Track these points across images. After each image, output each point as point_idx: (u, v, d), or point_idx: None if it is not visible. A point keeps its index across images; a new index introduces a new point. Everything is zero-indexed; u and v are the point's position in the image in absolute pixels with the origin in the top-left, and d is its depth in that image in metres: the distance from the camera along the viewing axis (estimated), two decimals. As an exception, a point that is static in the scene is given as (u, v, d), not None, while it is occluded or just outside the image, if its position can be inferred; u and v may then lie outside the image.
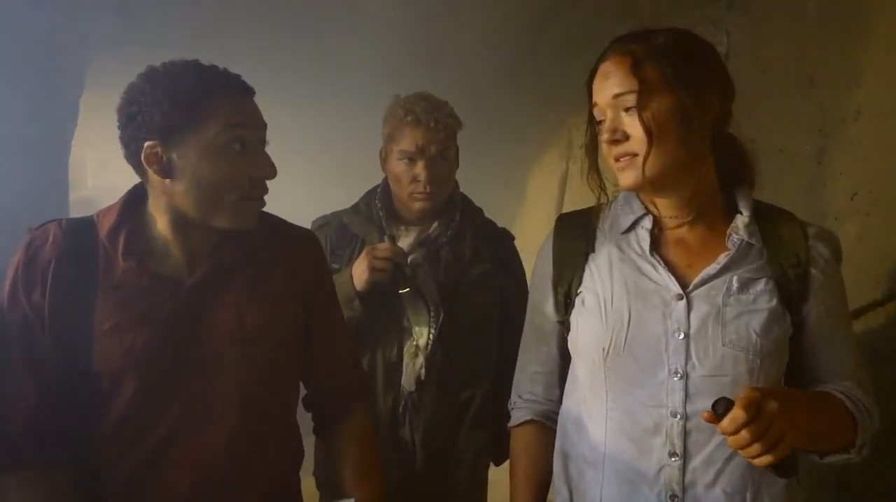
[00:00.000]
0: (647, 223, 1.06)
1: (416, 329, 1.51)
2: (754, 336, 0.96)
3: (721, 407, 0.84)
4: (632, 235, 1.07)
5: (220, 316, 1.05)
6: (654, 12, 2.60)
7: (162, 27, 3.30)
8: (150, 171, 1.00)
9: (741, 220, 1.03)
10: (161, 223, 1.05)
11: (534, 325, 1.19)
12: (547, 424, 1.16)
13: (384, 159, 1.61)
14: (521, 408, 1.19)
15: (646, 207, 1.08)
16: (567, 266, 1.11)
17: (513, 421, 1.20)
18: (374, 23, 3.66)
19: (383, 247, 1.47)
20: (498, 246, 1.64)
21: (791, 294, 1.00)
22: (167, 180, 1.00)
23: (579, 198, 3.56)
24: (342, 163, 4.56)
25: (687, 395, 0.97)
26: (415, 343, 1.51)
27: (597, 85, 1.02)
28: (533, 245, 4.22)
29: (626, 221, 1.08)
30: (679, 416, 0.97)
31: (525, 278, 1.65)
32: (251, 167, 1.03)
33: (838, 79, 1.53)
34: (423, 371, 1.50)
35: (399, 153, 1.53)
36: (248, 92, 1.06)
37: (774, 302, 0.99)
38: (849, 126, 1.49)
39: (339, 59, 4.00)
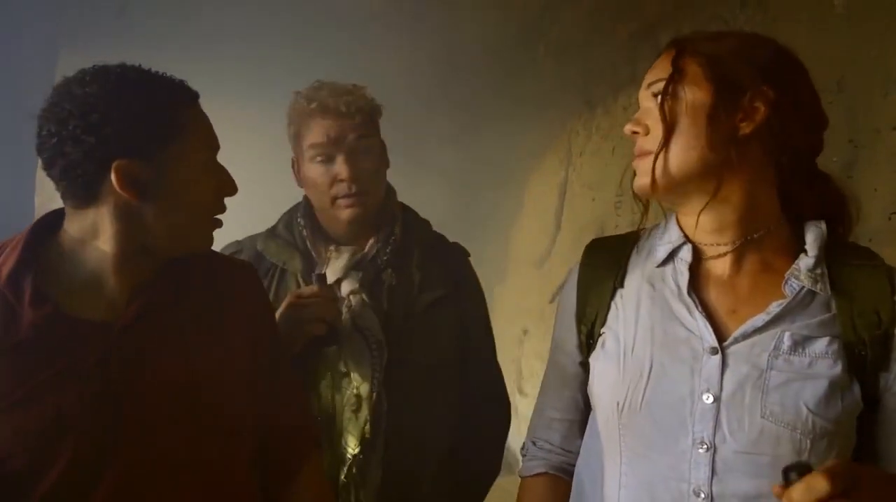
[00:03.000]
0: (687, 254, 0.88)
1: (356, 375, 1.20)
2: (804, 410, 0.77)
3: (795, 473, 0.65)
4: (668, 269, 0.90)
5: (166, 358, 0.89)
6: (660, 12, 2.46)
7: (161, 29, 3.20)
8: (109, 194, 0.84)
9: (804, 262, 0.83)
10: (101, 254, 0.87)
11: (555, 365, 1.03)
12: (563, 478, 1.00)
13: (297, 170, 1.33)
14: (534, 458, 1.02)
15: (685, 235, 0.90)
16: (592, 300, 0.95)
17: (523, 471, 1.04)
18: (367, 24, 3.55)
19: (308, 290, 1.18)
20: (452, 266, 1.36)
21: (864, 361, 0.79)
22: (136, 203, 0.85)
23: (579, 208, 3.44)
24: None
25: (714, 472, 0.79)
26: (355, 393, 1.20)
27: (647, 74, 0.89)
28: (530, 256, 4.09)
29: (662, 252, 0.90)
30: (703, 496, 0.79)
31: (484, 302, 1.40)
32: (221, 184, 0.93)
33: (871, 83, 1.37)
34: (368, 427, 1.18)
35: (310, 150, 1.25)
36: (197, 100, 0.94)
37: (838, 369, 0.78)
38: (885, 136, 1.34)
39: (335, 62, 3.88)
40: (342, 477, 1.19)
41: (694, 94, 0.82)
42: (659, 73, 0.86)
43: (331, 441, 1.20)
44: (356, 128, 1.25)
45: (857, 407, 0.79)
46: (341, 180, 1.24)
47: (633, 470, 0.86)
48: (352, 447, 1.19)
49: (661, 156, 0.83)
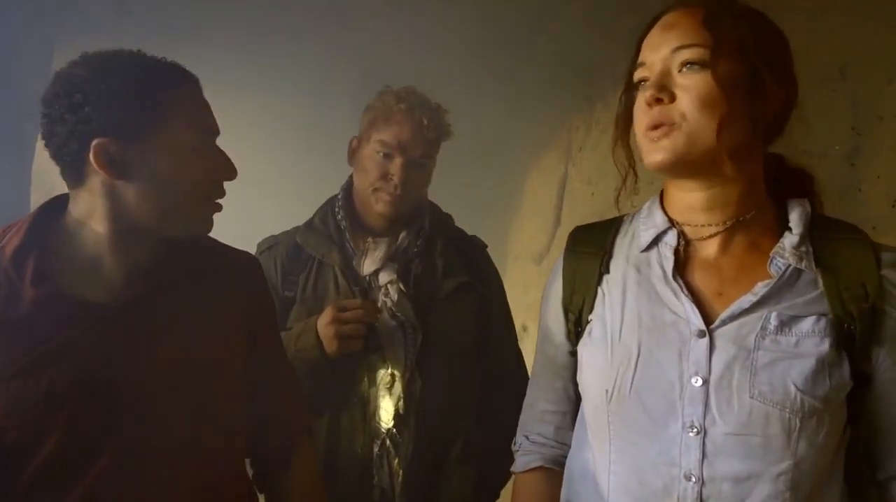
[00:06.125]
0: (672, 239, 0.87)
1: (391, 355, 1.31)
2: (793, 389, 0.77)
3: None
4: (653, 254, 0.89)
5: (162, 339, 0.90)
6: (660, 6, 2.45)
7: (160, 28, 3.18)
8: (94, 173, 0.86)
9: (789, 240, 0.82)
10: (97, 235, 0.89)
11: (545, 356, 1.01)
12: (558, 471, 0.99)
13: (354, 149, 1.43)
14: (528, 453, 1.02)
15: (670, 220, 0.89)
16: (578, 287, 0.94)
17: (518, 467, 1.03)
18: (364, 20, 3.53)
19: (352, 304, 1.27)
20: (471, 255, 1.46)
21: (852, 337, 0.79)
22: (118, 181, 0.86)
23: (579, 203, 3.43)
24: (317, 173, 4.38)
25: (704, 455, 0.79)
26: (390, 372, 1.31)
27: (653, 38, 0.82)
28: (529, 252, 4.07)
29: (647, 237, 0.89)
30: (694, 480, 0.79)
31: (503, 290, 1.49)
32: (213, 167, 0.93)
33: (875, 70, 1.36)
34: (401, 403, 1.30)
35: (377, 143, 1.35)
36: (201, 88, 0.95)
37: (826, 346, 0.78)
38: (888, 123, 1.33)
39: (337, 60, 3.87)
40: (376, 449, 1.31)
41: (732, 70, 0.77)
42: (688, 34, 0.79)
43: (364, 417, 1.31)
44: (425, 144, 1.36)
45: (845, 384, 0.79)
46: (391, 178, 1.35)
47: (622, 456, 0.85)
48: (385, 422, 1.31)
49: (684, 131, 0.78)
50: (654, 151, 0.81)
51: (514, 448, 1.05)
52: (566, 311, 0.95)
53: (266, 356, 1.06)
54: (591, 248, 0.95)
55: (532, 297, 3.78)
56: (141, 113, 0.86)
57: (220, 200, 0.96)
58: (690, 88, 0.78)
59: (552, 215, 3.68)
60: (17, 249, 0.86)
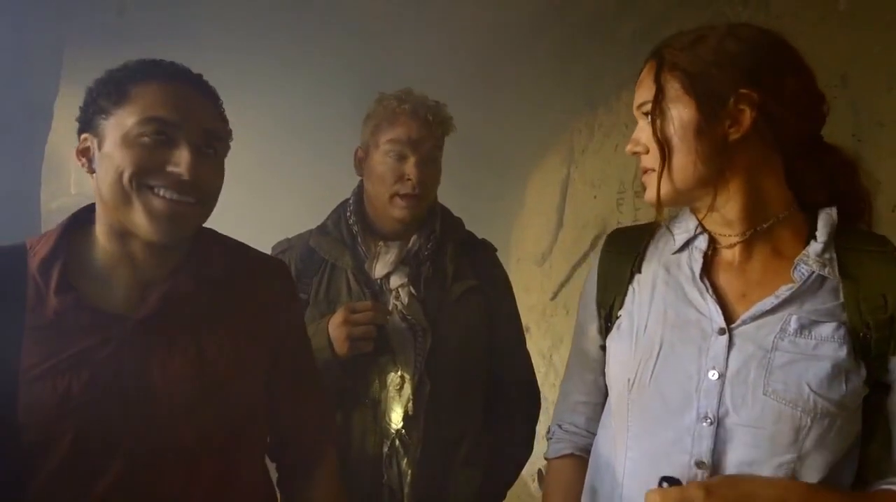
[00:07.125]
0: (702, 243, 0.92)
1: (401, 357, 1.32)
2: (807, 389, 0.80)
3: (666, 483, 0.79)
4: (683, 256, 0.94)
5: (177, 354, 0.91)
6: (662, 10, 2.47)
7: (162, 28, 3.21)
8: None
9: (813, 248, 0.85)
10: (102, 240, 0.91)
11: (579, 349, 1.08)
12: (587, 458, 1.04)
13: (361, 159, 1.42)
14: (560, 440, 1.08)
15: (701, 225, 0.93)
16: (611, 285, 1.00)
17: (550, 453, 1.09)
18: (368, 23, 3.55)
19: (363, 306, 1.28)
20: (480, 259, 1.47)
21: (869, 344, 0.81)
22: (93, 175, 0.89)
23: (581, 205, 3.44)
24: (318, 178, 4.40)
25: (716, 445, 0.83)
26: (400, 374, 1.32)
27: (636, 91, 0.91)
28: (531, 254, 4.06)
29: (679, 240, 0.94)
30: (705, 467, 0.83)
31: (512, 293, 1.50)
32: (167, 160, 0.87)
33: (875, 77, 1.38)
34: (410, 404, 1.32)
35: (388, 145, 1.34)
36: (188, 82, 0.91)
37: (843, 352, 0.81)
38: (888, 130, 1.35)
39: (339, 61, 3.89)
40: (385, 449, 1.32)
41: (679, 112, 0.84)
42: (645, 93, 0.88)
43: (375, 418, 1.33)
44: (434, 139, 1.37)
45: (861, 391, 0.81)
46: (408, 179, 1.34)
47: (638, 443, 0.90)
48: (395, 422, 1.32)
49: (658, 174, 0.87)
50: (646, 191, 0.91)
51: (547, 436, 1.11)
52: (599, 307, 1.01)
53: (292, 367, 1.06)
54: (624, 249, 1.01)
55: (534, 299, 3.80)
56: (104, 106, 0.88)
57: (194, 199, 0.89)
58: (652, 140, 0.87)
59: (554, 217, 3.71)
60: (44, 258, 0.88)
